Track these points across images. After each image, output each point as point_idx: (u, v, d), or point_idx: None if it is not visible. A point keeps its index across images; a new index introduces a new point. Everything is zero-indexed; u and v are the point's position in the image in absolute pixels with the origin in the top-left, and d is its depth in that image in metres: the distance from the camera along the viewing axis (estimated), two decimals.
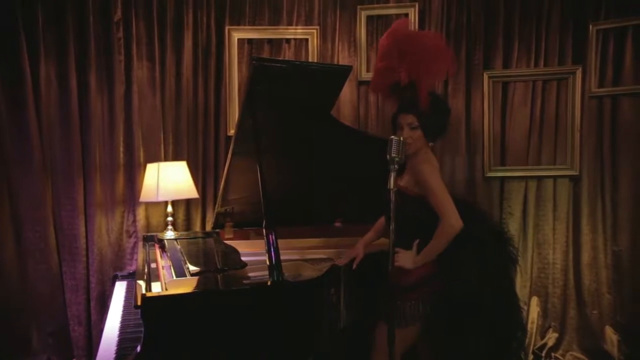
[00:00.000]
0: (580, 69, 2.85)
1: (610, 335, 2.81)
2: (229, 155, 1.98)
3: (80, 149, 2.74)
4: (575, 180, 2.93)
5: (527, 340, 2.74)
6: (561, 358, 2.86)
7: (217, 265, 1.79)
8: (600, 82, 2.84)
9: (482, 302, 1.68)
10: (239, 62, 2.92)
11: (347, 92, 2.95)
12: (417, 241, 1.69)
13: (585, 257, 2.90)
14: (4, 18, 2.58)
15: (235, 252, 1.93)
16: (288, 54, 2.95)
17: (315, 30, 2.93)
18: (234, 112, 2.88)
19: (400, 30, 1.81)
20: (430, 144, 1.82)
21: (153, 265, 1.94)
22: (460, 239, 1.66)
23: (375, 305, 1.80)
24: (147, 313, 1.34)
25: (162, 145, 2.87)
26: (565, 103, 2.90)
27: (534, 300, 2.93)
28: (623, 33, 2.79)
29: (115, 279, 2.27)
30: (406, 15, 2.93)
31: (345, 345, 2.02)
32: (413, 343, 1.77)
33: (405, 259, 1.68)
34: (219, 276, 1.64)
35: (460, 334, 1.69)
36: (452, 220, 1.64)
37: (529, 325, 2.88)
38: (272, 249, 1.54)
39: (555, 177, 2.94)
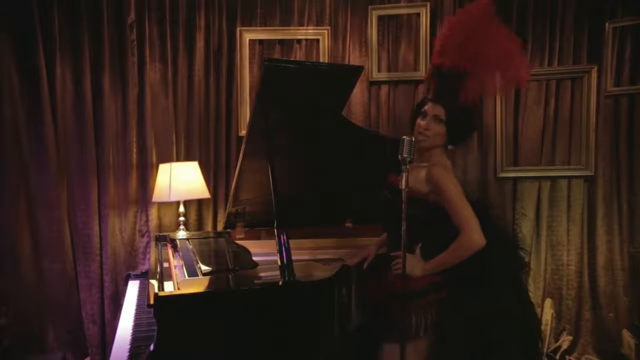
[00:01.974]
0: (596, 68, 2.80)
1: (628, 338, 2.75)
2: (240, 156, 1.99)
3: (94, 149, 2.78)
4: (590, 181, 2.88)
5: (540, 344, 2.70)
6: None
7: (229, 265, 1.80)
8: (616, 81, 2.79)
9: (505, 313, 1.55)
10: (250, 63, 2.93)
11: (358, 93, 2.94)
12: (419, 245, 1.59)
13: (601, 258, 2.85)
14: (22, 20, 2.63)
15: (246, 252, 1.94)
16: (299, 55, 2.96)
17: (326, 31, 2.93)
18: (245, 113, 2.90)
19: (478, 13, 1.59)
20: (450, 147, 1.68)
21: (165, 265, 1.96)
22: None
23: (380, 312, 1.69)
24: (160, 312, 1.35)
25: (174, 146, 2.90)
26: (580, 102, 2.85)
27: (548, 302, 2.89)
28: None
29: (128, 278, 2.29)
30: (417, 15, 2.92)
31: (355, 347, 2.01)
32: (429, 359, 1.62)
33: (414, 265, 1.56)
34: (230, 276, 1.65)
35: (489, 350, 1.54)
36: (475, 236, 1.50)
37: (542, 327, 2.84)
38: (283, 249, 1.54)
39: (569, 178, 2.89)
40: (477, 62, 1.56)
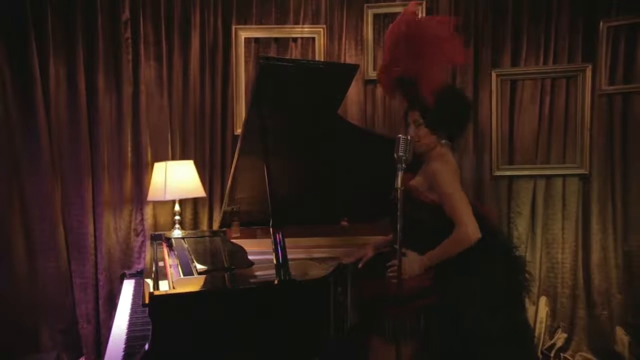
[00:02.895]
0: (590, 67, 2.81)
1: (621, 336, 2.78)
2: (236, 154, 1.98)
3: (88, 148, 2.77)
4: (584, 179, 2.89)
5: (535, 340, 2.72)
6: (570, 359, 2.83)
7: (224, 264, 1.80)
8: (610, 80, 2.81)
9: (490, 329, 1.53)
10: (246, 61, 2.92)
11: (354, 91, 2.94)
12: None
13: (595, 256, 2.86)
14: (15, 18, 2.61)
15: (242, 251, 1.94)
16: (295, 53, 2.95)
17: (322, 29, 2.92)
18: (240, 111, 2.89)
19: (405, 18, 1.68)
20: (443, 141, 1.70)
21: (161, 264, 1.95)
22: (466, 255, 1.55)
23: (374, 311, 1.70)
24: (155, 311, 1.35)
25: (170, 145, 2.89)
26: (575, 101, 2.86)
27: (543, 300, 2.91)
28: (634, 30, 2.75)
29: (123, 277, 2.28)
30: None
31: (351, 346, 2.01)
32: None
33: (412, 263, 1.56)
34: (226, 275, 1.65)
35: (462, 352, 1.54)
36: (469, 229, 1.52)
37: (537, 325, 2.86)
38: (279, 248, 1.54)
39: (564, 176, 2.91)
40: (420, 62, 1.62)
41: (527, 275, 1.70)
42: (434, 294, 1.62)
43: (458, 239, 1.55)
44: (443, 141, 1.71)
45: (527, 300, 1.84)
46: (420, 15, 2.80)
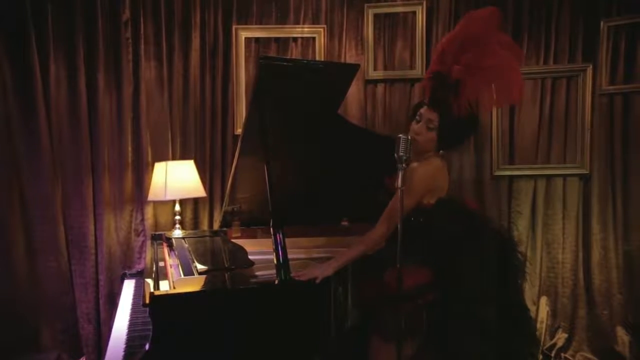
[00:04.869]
0: (591, 67, 2.81)
1: (622, 335, 2.77)
2: (236, 154, 1.98)
3: (89, 148, 2.76)
4: (585, 179, 2.89)
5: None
6: (571, 358, 2.83)
7: (225, 264, 1.80)
8: (611, 80, 2.81)
9: (484, 314, 1.55)
10: (246, 61, 2.92)
11: (355, 91, 2.94)
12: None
13: (596, 256, 2.86)
14: (14, 17, 2.61)
15: (242, 250, 1.93)
16: (295, 53, 2.95)
17: (322, 29, 2.92)
18: (241, 111, 2.89)
19: (478, 17, 1.56)
20: (441, 152, 1.68)
21: (161, 264, 1.95)
22: (459, 245, 1.56)
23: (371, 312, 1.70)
24: (156, 311, 1.35)
25: (170, 145, 2.89)
26: (576, 101, 2.86)
27: (543, 299, 2.91)
28: (635, 30, 2.75)
29: (123, 277, 2.28)
30: (414, 13, 2.92)
31: (352, 346, 2.01)
32: None
33: (319, 268, 1.54)
34: (226, 275, 1.65)
35: (462, 350, 1.55)
36: (379, 233, 1.59)
37: (538, 325, 2.86)
38: (279, 248, 1.54)
39: (565, 176, 2.91)
40: (473, 73, 1.52)
41: (519, 256, 1.70)
42: (434, 291, 1.62)
43: (371, 238, 1.61)
44: (441, 152, 1.69)
45: (525, 284, 1.83)
46: (420, 20, 2.79)
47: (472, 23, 1.60)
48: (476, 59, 1.53)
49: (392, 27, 2.96)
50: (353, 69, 1.82)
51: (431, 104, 1.62)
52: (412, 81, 2.95)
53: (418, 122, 1.65)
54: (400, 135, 1.48)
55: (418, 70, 2.90)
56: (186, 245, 2.07)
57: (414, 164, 1.63)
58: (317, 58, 2.89)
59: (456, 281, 1.59)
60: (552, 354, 2.83)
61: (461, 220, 1.61)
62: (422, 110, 1.65)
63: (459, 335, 1.56)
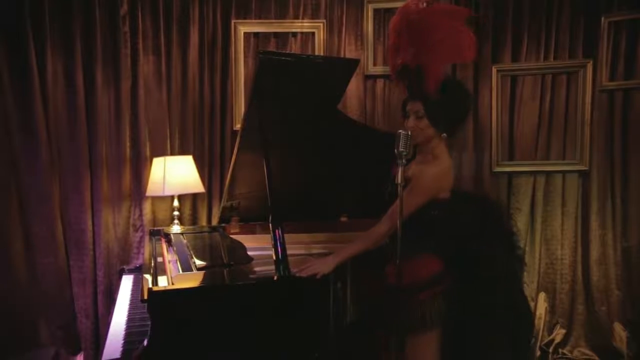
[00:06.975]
0: (591, 63, 2.80)
1: (620, 331, 2.78)
2: (235, 150, 1.97)
3: (87, 143, 2.75)
4: (584, 176, 2.89)
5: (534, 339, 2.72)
6: (569, 354, 2.84)
7: (224, 260, 1.79)
8: (611, 76, 2.80)
9: (493, 303, 1.60)
10: (245, 56, 2.90)
11: (354, 86, 2.92)
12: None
13: (594, 253, 2.87)
14: (12, 13, 2.59)
15: (241, 246, 1.93)
16: (294, 48, 2.93)
17: (321, 24, 2.90)
18: (240, 106, 2.87)
19: (411, 5, 1.62)
20: (443, 135, 1.66)
21: (159, 260, 1.94)
22: (470, 236, 1.60)
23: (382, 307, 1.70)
24: (154, 307, 1.34)
25: (169, 140, 2.87)
26: (576, 97, 2.85)
27: (542, 296, 2.91)
28: (636, 25, 2.74)
29: (122, 272, 2.27)
30: None
31: (351, 342, 2.01)
32: (440, 352, 1.63)
33: (320, 264, 1.56)
34: (225, 271, 1.64)
35: (472, 337, 1.61)
36: (383, 230, 1.60)
37: (536, 321, 2.86)
38: (278, 244, 1.54)
39: (564, 172, 2.90)
40: (426, 51, 1.57)
41: (519, 251, 1.77)
42: (446, 278, 1.64)
43: (374, 233, 1.62)
44: (443, 135, 1.67)
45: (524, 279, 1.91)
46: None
47: (407, 9, 1.64)
48: (424, 39, 1.58)
49: None
50: (353, 64, 1.81)
51: (412, 96, 1.65)
52: None
53: (408, 117, 1.67)
54: (400, 131, 1.47)
55: None
56: (185, 241, 2.06)
57: (422, 167, 1.63)
58: (317, 53, 2.87)
59: (473, 268, 1.62)
60: (550, 350, 2.84)
61: (477, 209, 1.66)
62: (408, 107, 1.67)
63: (476, 324, 1.61)
